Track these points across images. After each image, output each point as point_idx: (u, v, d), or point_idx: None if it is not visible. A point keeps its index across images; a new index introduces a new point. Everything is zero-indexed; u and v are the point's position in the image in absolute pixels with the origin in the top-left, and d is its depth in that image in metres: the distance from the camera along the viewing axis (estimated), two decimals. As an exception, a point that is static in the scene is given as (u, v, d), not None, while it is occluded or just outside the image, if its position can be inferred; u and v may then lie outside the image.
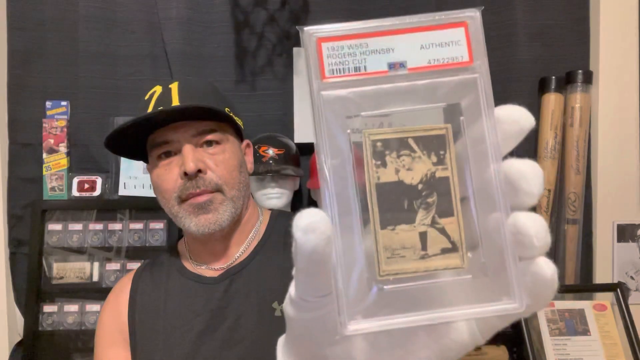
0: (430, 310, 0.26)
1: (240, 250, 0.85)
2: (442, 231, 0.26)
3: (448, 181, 0.26)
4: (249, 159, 0.90)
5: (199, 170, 0.77)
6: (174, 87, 0.80)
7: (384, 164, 0.26)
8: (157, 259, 0.91)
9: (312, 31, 0.26)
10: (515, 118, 0.27)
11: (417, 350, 0.29)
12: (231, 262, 0.84)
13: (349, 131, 0.26)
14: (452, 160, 0.26)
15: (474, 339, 0.29)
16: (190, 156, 0.76)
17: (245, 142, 0.90)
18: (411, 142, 0.26)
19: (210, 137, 0.80)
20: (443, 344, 0.28)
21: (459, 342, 0.29)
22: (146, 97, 0.82)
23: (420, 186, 0.26)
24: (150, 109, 0.79)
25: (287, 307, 0.30)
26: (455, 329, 0.28)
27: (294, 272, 0.28)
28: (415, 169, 0.26)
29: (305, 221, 0.25)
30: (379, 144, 0.26)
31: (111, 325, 0.85)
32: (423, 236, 0.26)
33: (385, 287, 0.26)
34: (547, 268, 0.26)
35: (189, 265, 0.86)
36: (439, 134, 0.26)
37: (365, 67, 0.27)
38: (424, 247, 0.26)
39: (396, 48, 0.27)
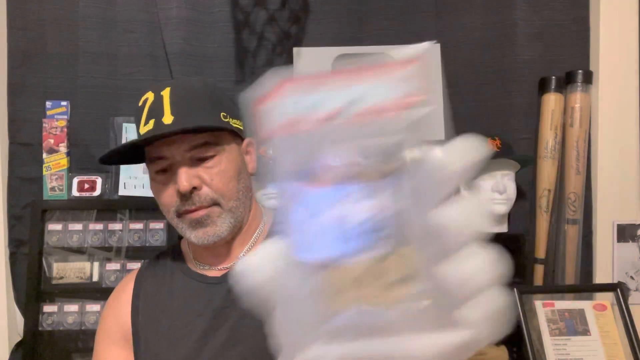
0: (385, 339, 0.26)
1: (244, 250, 0.85)
2: (399, 261, 0.26)
3: (402, 215, 0.26)
4: (252, 157, 0.88)
5: (194, 187, 0.77)
6: (166, 94, 0.78)
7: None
8: (159, 259, 0.91)
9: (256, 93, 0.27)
10: (456, 158, 0.27)
11: None
12: (235, 263, 0.84)
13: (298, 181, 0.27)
14: (401, 196, 0.27)
15: None
16: (184, 176, 0.76)
17: (247, 140, 0.88)
18: (361, 177, 0.27)
19: (204, 152, 0.78)
20: None
21: None
22: (139, 104, 0.81)
23: (374, 218, 0.26)
24: (143, 119, 0.78)
25: None
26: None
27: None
28: (367, 203, 0.27)
29: (248, 263, 0.27)
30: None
31: (112, 325, 0.85)
32: (379, 265, 0.26)
33: (338, 316, 0.26)
34: (500, 298, 0.26)
35: (193, 266, 0.86)
36: (388, 170, 0.27)
37: (312, 111, 0.27)
38: (380, 277, 0.26)
39: (343, 91, 0.27)
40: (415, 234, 0.26)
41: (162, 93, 0.79)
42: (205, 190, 0.78)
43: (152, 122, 0.77)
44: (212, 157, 0.79)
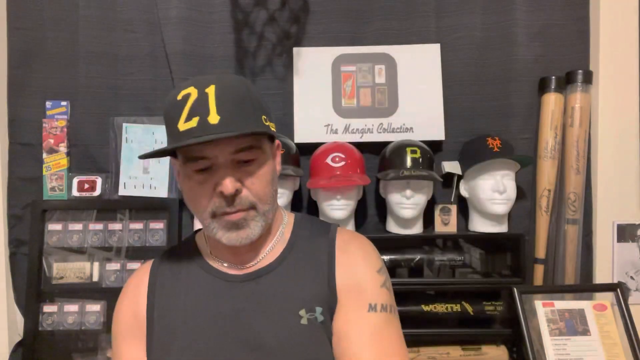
0: None
1: (264, 252, 0.84)
2: None
3: None
4: (278, 159, 0.87)
5: (236, 190, 0.76)
6: (211, 92, 0.75)
7: None
8: (173, 253, 0.90)
9: None
10: None
11: None
12: (254, 263, 0.83)
13: None
14: None
15: None
16: (229, 178, 0.75)
17: (277, 142, 0.87)
18: None
19: (248, 155, 0.77)
20: None
21: None
22: (179, 98, 0.77)
23: None
24: (184, 114, 0.75)
25: None
26: None
27: None
28: None
29: None
30: None
31: (130, 318, 0.84)
32: None
33: None
34: None
35: (211, 261, 0.85)
36: None
37: None
38: None
39: None
40: None
41: (206, 91, 0.76)
42: (245, 193, 0.77)
43: (195, 119, 0.74)
44: (254, 160, 0.79)
